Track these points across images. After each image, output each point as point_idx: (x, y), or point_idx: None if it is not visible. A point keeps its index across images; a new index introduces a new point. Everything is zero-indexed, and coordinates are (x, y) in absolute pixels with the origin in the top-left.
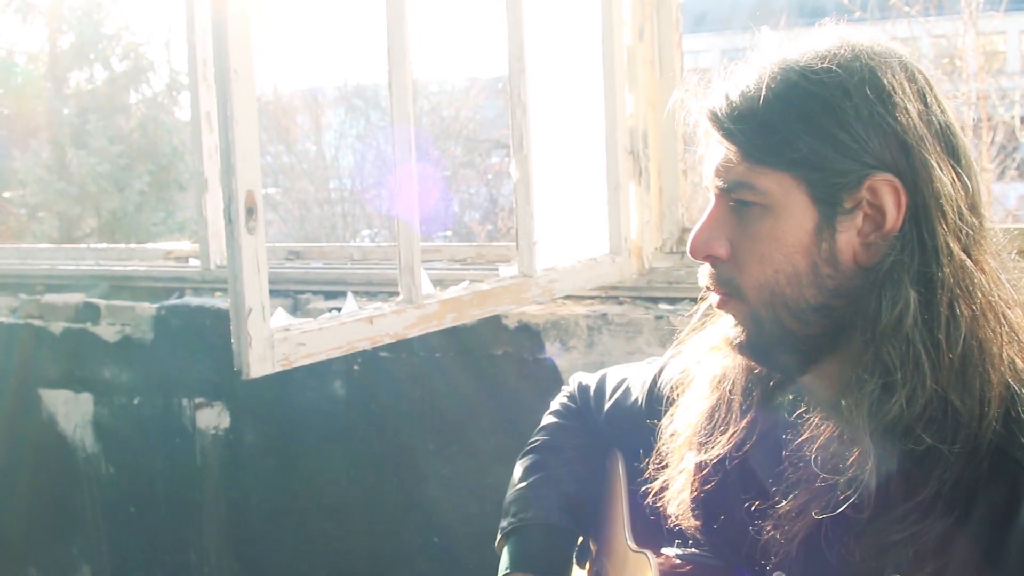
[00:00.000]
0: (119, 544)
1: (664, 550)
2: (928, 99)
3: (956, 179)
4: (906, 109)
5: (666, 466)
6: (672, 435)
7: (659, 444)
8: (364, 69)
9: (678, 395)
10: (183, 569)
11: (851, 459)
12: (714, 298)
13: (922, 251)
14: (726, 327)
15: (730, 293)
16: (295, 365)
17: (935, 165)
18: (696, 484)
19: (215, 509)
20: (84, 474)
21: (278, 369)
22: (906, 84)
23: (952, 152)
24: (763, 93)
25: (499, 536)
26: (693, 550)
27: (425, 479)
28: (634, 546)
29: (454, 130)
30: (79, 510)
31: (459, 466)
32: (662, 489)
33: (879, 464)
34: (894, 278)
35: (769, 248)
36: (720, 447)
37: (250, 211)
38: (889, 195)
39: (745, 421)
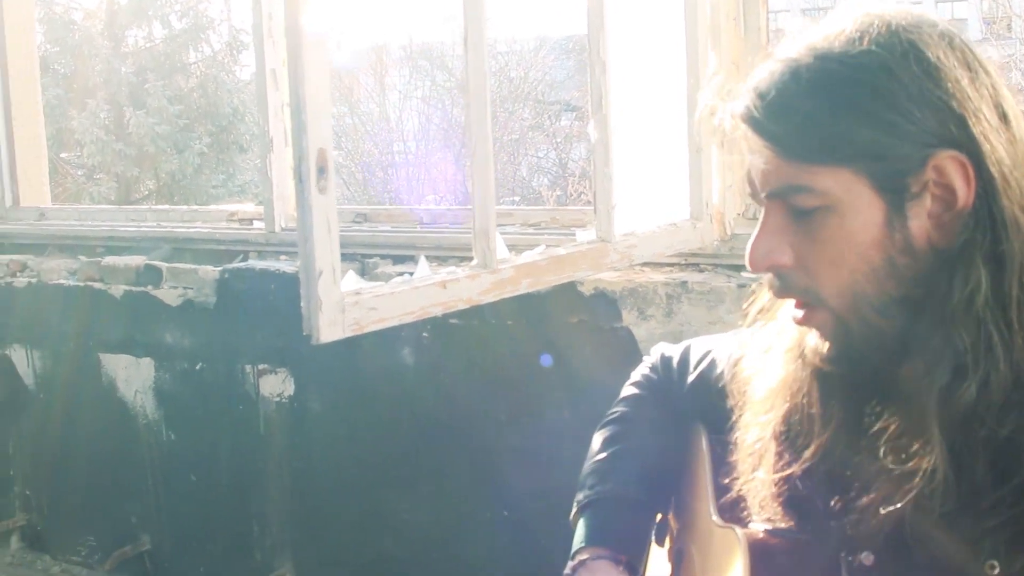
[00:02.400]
0: (179, 513)
1: (752, 525)
2: (972, 64)
3: (1012, 144)
4: (956, 79)
5: (738, 477)
6: (744, 448)
7: (731, 455)
8: (430, 27)
9: (744, 401)
10: (244, 540)
11: (916, 448)
12: (796, 313)
13: (992, 226)
14: (811, 340)
15: (810, 302)
16: (366, 330)
17: (994, 133)
18: (781, 492)
19: (278, 479)
20: (144, 441)
21: (349, 334)
22: (949, 52)
23: (1003, 116)
24: (803, 87)
25: (574, 509)
26: (781, 526)
27: (495, 450)
28: (719, 521)
29: (523, 92)
30: (139, 478)
31: (530, 438)
32: (740, 498)
33: (950, 454)
34: (966, 257)
35: (840, 249)
36: (804, 461)
37: (321, 170)
38: (956, 171)
39: (828, 433)
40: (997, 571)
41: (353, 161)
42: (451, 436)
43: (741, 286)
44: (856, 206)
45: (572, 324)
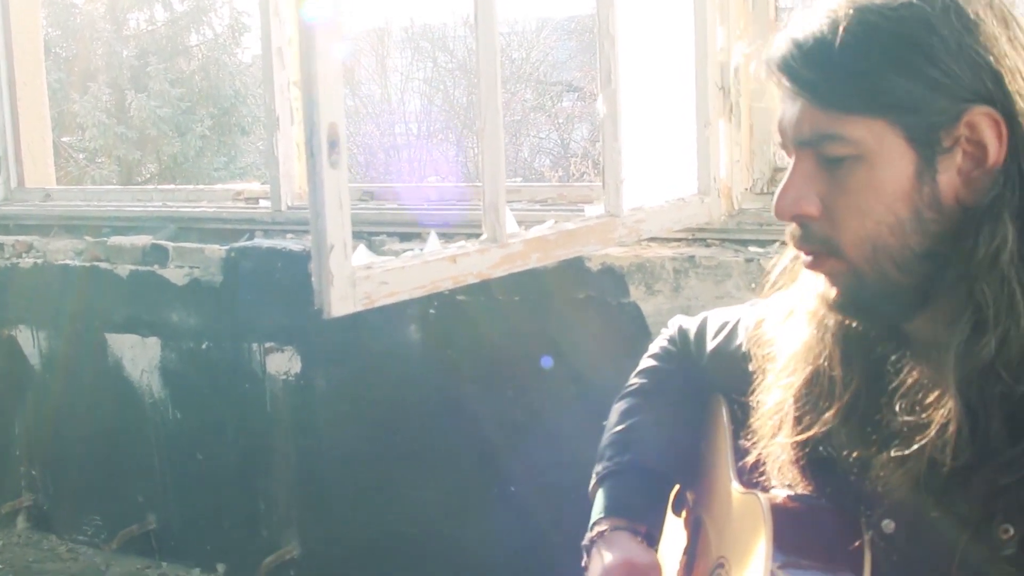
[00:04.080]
0: (185, 492)
1: (773, 491)
2: (1010, 22)
3: None
4: (994, 35)
5: (759, 442)
6: (764, 413)
7: (751, 419)
8: (431, 8)
9: (766, 365)
10: (252, 518)
11: (931, 400)
12: (805, 258)
13: (1022, 184)
14: (819, 286)
15: (826, 251)
16: (377, 304)
17: None
18: (801, 455)
19: (285, 457)
20: (151, 420)
21: (360, 308)
22: (988, 10)
23: None
24: (841, 38)
25: (593, 480)
26: (803, 493)
27: (502, 426)
28: (741, 488)
29: (524, 73)
30: (145, 457)
31: (537, 414)
32: (759, 463)
33: (965, 408)
34: (994, 213)
35: (868, 200)
36: (824, 424)
37: (333, 144)
38: (989, 128)
39: (849, 395)
40: (1011, 534)
41: (355, 143)
42: (458, 412)
43: (749, 260)
44: (888, 157)
45: (579, 300)
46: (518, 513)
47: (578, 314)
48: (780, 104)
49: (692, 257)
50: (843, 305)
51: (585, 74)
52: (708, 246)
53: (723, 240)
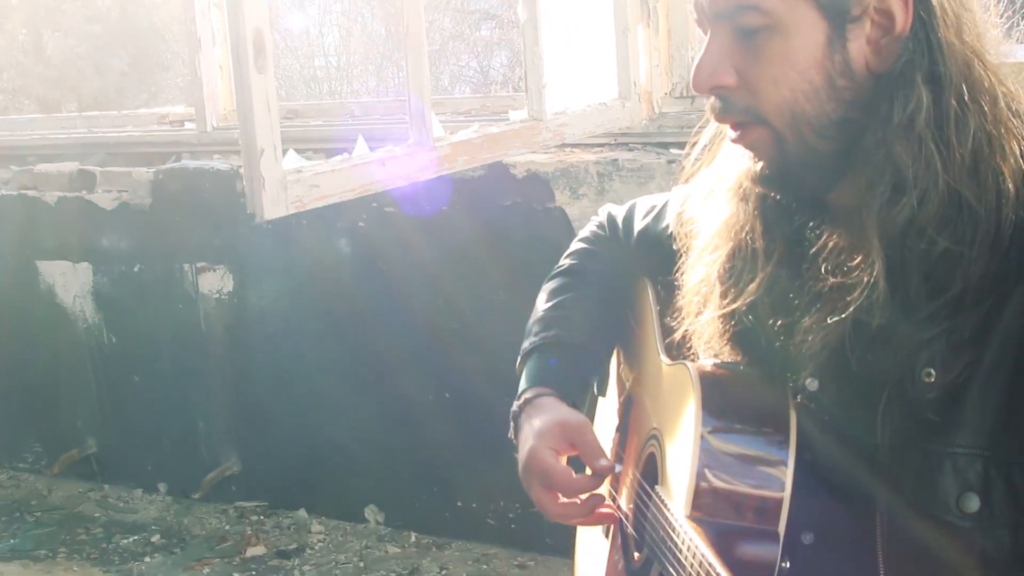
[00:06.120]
0: (124, 414)
1: (701, 361)
2: None
3: None
4: None
5: (685, 319)
6: (689, 290)
7: (676, 299)
8: None
9: (689, 244)
10: (191, 437)
11: (857, 262)
12: (731, 133)
13: (929, 50)
14: (744, 163)
15: (750, 120)
16: (308, 207)
17: None
18: (727, 328)
19: (221, 375)
20: (86, 345)
21: (292, 211)
22: None
23: None
24: None
25: (520, 356)
26: (730, 361)
27: (435, 335)
28: (669, 360)
29: (441, 2)
30: (82, 382)
31: (469, 320)
32: (685, 339)
33: (888, 266)
34: (907, 78)
35: (783, 69)
36: (749, 295)
37: (259, 50)
38: None
39: (772, 265)
40: (933, 378)
41: (275, 76)
42: (390, 323)
43: (671, 162)
44: (800, 26)
45: (506, 207)
46: (453, 420)
47: (506, 221)
48: None
49: (615, 160)
50: (770, 178)
51: (503, 1)
52: (631, 150)
53: (645, 143)
